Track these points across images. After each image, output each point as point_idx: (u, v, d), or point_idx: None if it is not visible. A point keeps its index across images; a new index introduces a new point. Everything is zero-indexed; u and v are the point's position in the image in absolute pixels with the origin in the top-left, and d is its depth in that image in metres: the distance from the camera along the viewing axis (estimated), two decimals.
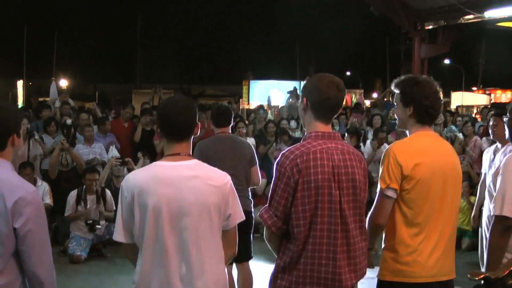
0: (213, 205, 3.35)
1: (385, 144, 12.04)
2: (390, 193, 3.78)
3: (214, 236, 3.40)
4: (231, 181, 3.48)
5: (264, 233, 3.66)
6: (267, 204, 3.59)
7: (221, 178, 3.45)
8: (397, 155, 3.78)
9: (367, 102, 26.41)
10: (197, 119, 3.55)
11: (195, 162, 3.46)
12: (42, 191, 9.69)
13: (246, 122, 15.34)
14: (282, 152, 3.61)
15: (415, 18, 17.02)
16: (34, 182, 9.68)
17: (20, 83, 27.23)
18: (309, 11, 51.07)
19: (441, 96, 4.15)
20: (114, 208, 9.74)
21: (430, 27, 17.40)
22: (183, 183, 3.33)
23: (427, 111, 3.89)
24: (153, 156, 11.71)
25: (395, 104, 4.12)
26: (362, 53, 57.74)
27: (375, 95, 44.32)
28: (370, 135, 13.14)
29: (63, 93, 15.19)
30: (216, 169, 3.54)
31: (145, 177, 3.38)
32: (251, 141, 12.06)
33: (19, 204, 3.21)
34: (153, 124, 12.53)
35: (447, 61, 46.09)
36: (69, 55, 48.18)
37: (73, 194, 9.61)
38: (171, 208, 3.29)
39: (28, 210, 3.23)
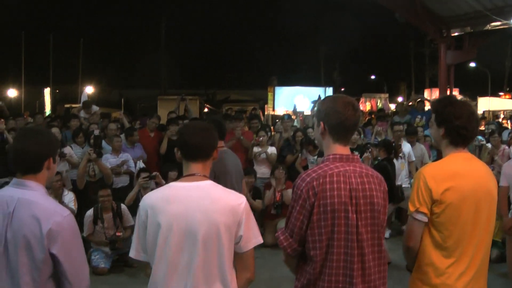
0: (222, 225, 3.39)
1: (405, 143, 11.90)
2: (419, 216, 3.75)
3: (223, 257, 3.42)
4: (245, 203, 3.52)
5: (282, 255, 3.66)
6: (284, 226, 3.60)
7: (235, 199, 3.50)
8: (427, 179, 3.74)
9: (392, 106, 26.25)
10: (215, 143, 3.65)
11: (208, 183, 3.54)
12: (68, 200, 9.81)
13: (272, 129, 15.32)
14: (300, 175, 3.61)
15: (440, 25, 16.87)
16: (61, 191, 9.83)
17: (47, 91, 27.49)
18: (332, 16, 51.00)
19: (477, 117, 4.06)
20: (132, 223, 9.81)
21: (456, 34, 17.25)
22: (192, 202, 3.41)
23: (458, 132, 3.83)
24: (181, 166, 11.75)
25: (431, 122, 4.08)
26: (386, 56, 57.59)
27: (400, 99, 44.05)
28: None
29: (86, 105, 15.26)
30: (231, 190, 3.61)
31: (158, 197, 3.50)
32: (271, 149, 12.06)
33: (54, 230, 3.28)
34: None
35: (472, 64, 45.73)
36: (95, 62, 48.63)
37: (89, 214, 9.57)
38: (180, 226, 3.37)
39: (64, 234, 3.31)
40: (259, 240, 3.55)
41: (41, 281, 3.30)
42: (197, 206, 3.39)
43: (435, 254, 3.78)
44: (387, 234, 10.18)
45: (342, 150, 3.60)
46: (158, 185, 10.32)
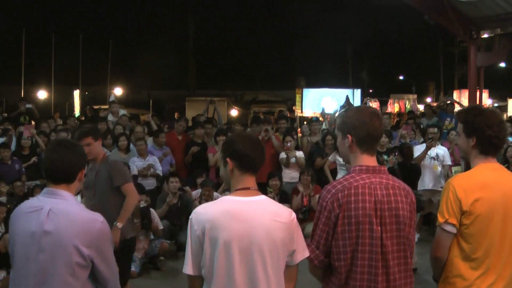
0: (280, 241, 3.39)
1: (439, 145, 11.76)
2: (448, 228, 3.73)
3: (280, 272, 3.43)
4: (295, 217, 3.52)
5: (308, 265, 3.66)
6: (310, 238, 3.60)
7: (288, 214, 3.48)
8: (457, 189, 3.71)
9: (421, 107, 26.02)
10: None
11: (263, 198, 3.52)
12: None
13: (298, 131, 15.23)
14: (325, 186, 3.61)
15: (470, 26, 16.64)
16: None
17: (76, 93, 27.75)
18: (360, 17, 50.79)
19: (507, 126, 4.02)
20: (161, 226, 9.86)
21: (486, 35, 17.02)
22: (253, 219, 3.37)
23: (490, 141, 3.81)
24: (207, 169, 11.80)
25: (458, 133, 4.06)
26: (414, 56, 57.09)
27: (428, 99, 43.63)
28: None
29: (112, 105, 15.32)
30: (281, 205, 3.60)
31: (217, 211, 3.41)
32: (299, 154, 11.98)
33: (90, 235, 3.45)
34: (207, 137, 12.63)
35: (502, 65, 45.06)
36: (123, 63, 48.94)
37: None
38: (242, 243, 3.34)
39: (101, 240, 3.51)
40: (307, 253, 3.53)
41: (78, 284, 3.46)
42: (259, 223, 3.37)
43: (463, 265, 3.76)
44: (415, 239, 10.07)
45: (369, 160, 3.59)
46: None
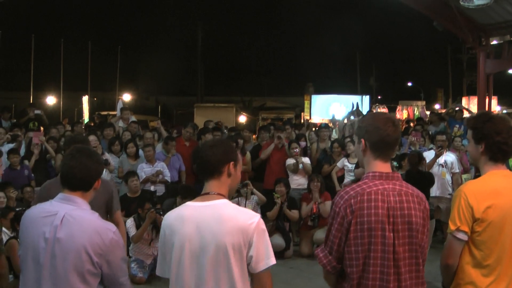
0: (230, 245, 3.36)
1: (448, 153, 11.73)
2: (460, 235, 3.72)
3: (232, 278, 3.39)
4: (258, 222, 3.45)
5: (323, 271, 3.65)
6: (323, 243, 3.60)
7: (246, 218, 3.44)
8: (469, 197, 3.70)
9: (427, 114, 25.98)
10: (226, 157, 3.59)
11: (222, 202, 3.52)
12: None
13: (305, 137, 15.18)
14: (338, 192, 3.61)
15: (479, 33, 16.64)
16: None
17: (85, 99, 27.75)
18: (368, 23, 50.81)
19: None
20: None
21: (495, 42, 16.98)
22: (203, 223, 3.41)
23: (499, 148, 3.79)
24: None
25: (467, 139, 4.05)
26: (423, 62, 57.00)
27: (437, 106, 43.51)
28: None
29: (124, 112, 15.30)
30: (244, 209, 3.60)
31: (173, 217, 3.54)
32: (306, 160, 11.92)
33: (102, 244, 3.46)
34: None
35: (511, 71, 44.90)
36: (132, 69, 49.03)
37: (130, 221, 9.52)
38: (192, 246, 3.41)
39: (114, 249, 3.51)
40: (271, 261, 3.46)
41: None
42: (207, 227, 3.40)
43: (474, 272, 3.74)
44: None
45: (382, 167, 3.58)
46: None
